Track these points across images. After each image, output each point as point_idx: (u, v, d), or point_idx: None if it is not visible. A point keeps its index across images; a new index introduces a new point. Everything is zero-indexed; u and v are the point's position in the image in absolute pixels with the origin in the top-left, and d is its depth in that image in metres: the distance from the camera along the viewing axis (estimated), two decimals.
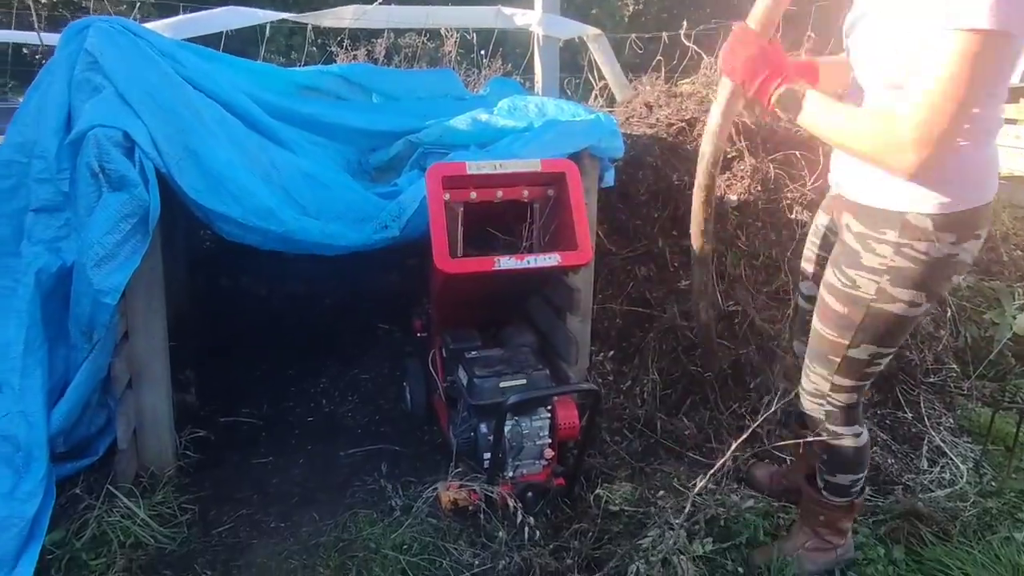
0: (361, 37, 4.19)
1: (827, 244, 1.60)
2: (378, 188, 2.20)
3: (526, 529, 1.77)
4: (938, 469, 2.21)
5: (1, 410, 1.70)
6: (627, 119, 2.94)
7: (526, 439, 1.92)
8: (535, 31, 3.22)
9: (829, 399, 1.56)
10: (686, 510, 1.74)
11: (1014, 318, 2.75)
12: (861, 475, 1.67)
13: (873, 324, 1.41)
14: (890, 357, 1.51)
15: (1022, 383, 2.68)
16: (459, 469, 1.95)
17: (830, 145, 1.41)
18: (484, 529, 1.81)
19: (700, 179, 1.63)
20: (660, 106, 2.92)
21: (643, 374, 2.42)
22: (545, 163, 1.89)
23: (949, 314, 2.72)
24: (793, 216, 2.56)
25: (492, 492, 1.83)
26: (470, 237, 1.95)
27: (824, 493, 1.69)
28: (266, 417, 2.43)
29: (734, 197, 2.58)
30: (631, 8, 12.13)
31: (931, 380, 2.57)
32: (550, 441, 1.96)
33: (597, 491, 1.95)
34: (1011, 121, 4.92)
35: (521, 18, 3.12)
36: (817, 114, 1.28)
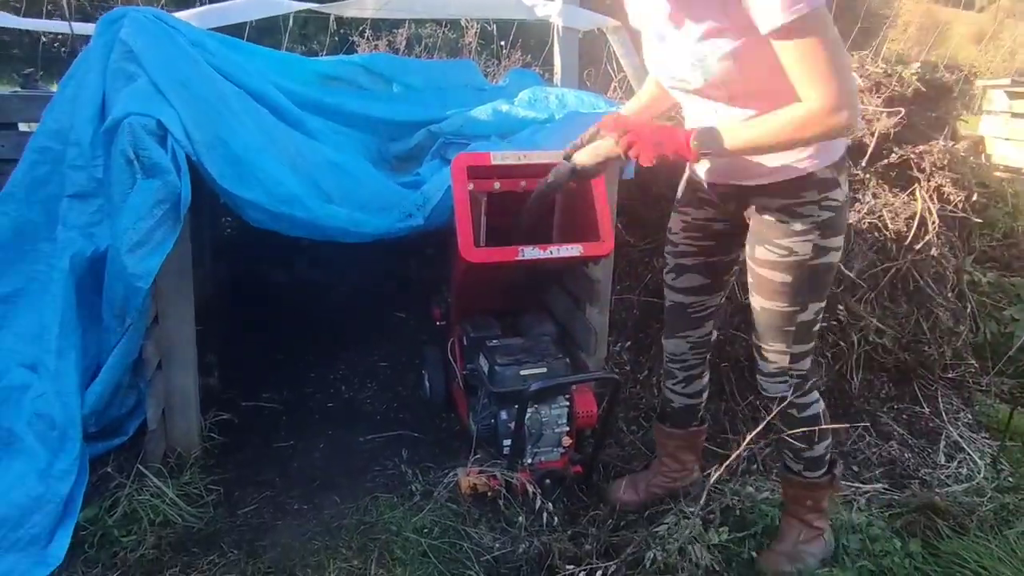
0: (382, 27, 4.21)
1: (712, 234, 1.71)
2: (400, 178, 2.23)
3: (544, 515, 1.80)
4: (955, 464, 2.22)
5: (37, 390, 1.75)
6: None
7: (545, 427, 1.95)
8: (555, 22, 3.21)
9: (791, 372, 1.62)
10: (702, 499, 1.76)
11: None
12: (830, 440, 1.72)
13: (813, 281, 1.53)
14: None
15: None
16: (478, 455, 1.98)
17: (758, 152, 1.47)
18: (503, 514, 1.85)
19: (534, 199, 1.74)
20: None
21: (660, 364, 2.43)
22: None
23: (969, 309, 2.71)
24: None
25: (512, 478, 1.86)
26: (492, 227, 1.98)
27: (805, 474, 1.71)
28: (287, 402, 2.48)
29: None
30: None
31: (949, 375, 2.57)
32: (568, 429, 1.98)
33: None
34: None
35: (541, 9, 3.12)
36: (739, 136, 1.39)
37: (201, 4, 2.80)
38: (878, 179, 2.65)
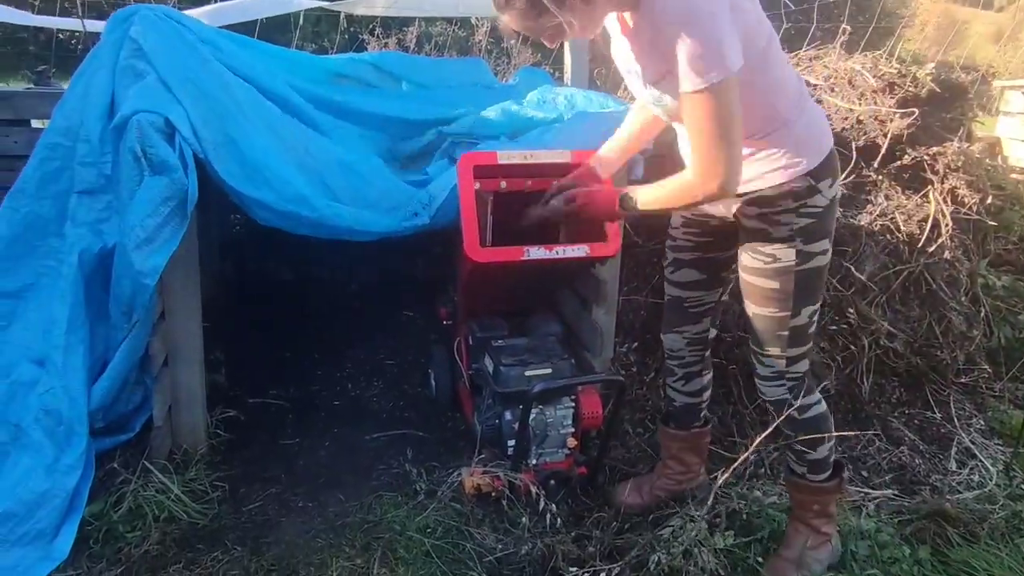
0: (392, 25, 4.21)
1: (710, 230, 1.72)
2: (409, 176, 2.22)
3: (548, 516, 1.79)
4: (967, 471, 2.19)
5: (44, 385, 1.76)
6: None
7: (550, 428, 1.94)
8: None
9: (788, 375, 1.63)
10: (708, 503, 1.74)
11: None
12: (833, 443, 1.71)
13: (802, 286, 1.55)
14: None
15: None
16: (482, 456, 1.97)
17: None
18: (507, 515, 1.84)
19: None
20: None
21: (664, 368, 2.42)
22: (576, 154, 1.89)
23: (983, 314, 2.67)
24: None
25: (516, 479, 1.85)
26: (499, 226, 1.97)
27: (809, 477, 1.69)
28: (293, 399, 2.48)
29: None
30: None
31: (962, 380, 2.54)
32: (573, 430, 1.97)
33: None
34: None
35: None
36: (648, 201, 1.57)
37: (213, 1, 2.81)
38: (891, 181, 2.62)
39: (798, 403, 1.63)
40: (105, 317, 1.85)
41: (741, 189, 1.53)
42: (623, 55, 1.52)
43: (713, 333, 1.89)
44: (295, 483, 2.04)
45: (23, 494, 1.67)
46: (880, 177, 2.61)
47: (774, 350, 1.61)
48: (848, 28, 2.91)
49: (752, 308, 1.61)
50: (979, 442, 2.31)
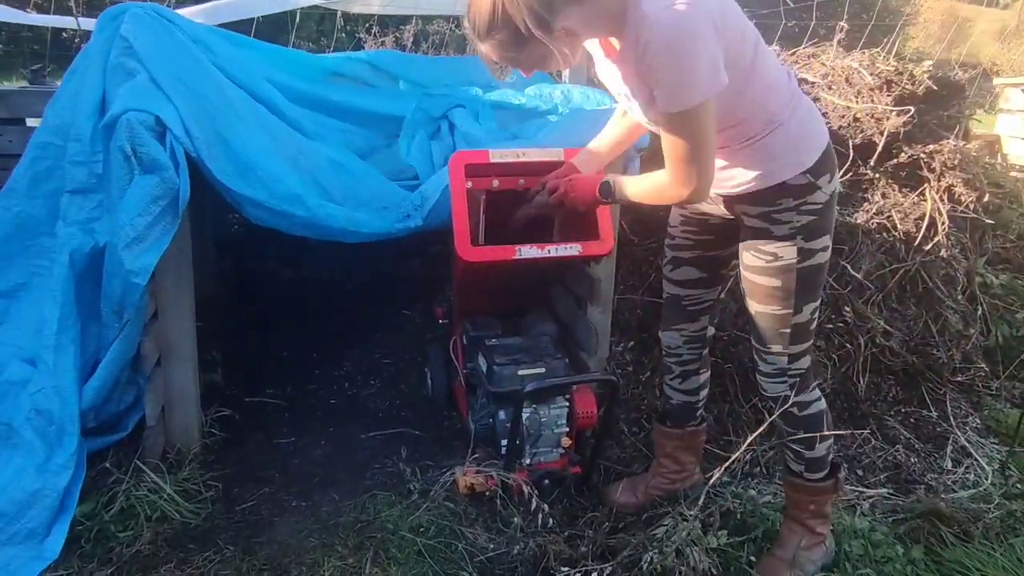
0: (389, 24, 4.20)
1: (709, 228, 1.73)
2: (401, 174, 2.22)
3: (540, 516, 1.79)
4: (962, 469, 2.18)
5: (36, 385, 1.76)
6: None
7: (544, 427, 1.93)
8: None
9: (790, 372, 1.63)
10: (700, 501, 1.74)
11: None
12: (831, 442, 1.71)
13: (804, 284, 1.55)
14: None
15: None
16: (476, 455, 1.97)
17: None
18: (500, 515, 1.84)
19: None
20: None
21: (662, 365, 2.41)
22: (568, 152, 1.89)
23: (980, 312, 2.66)
24: None
25: (509, 478, 1.84)
26: (492, 225, 1.96)
27: (807, 475, 1.69)
28: (289, 398, 2.48)
29: None
30: None
31: (958, 379, 2.52)
32: (567, 430, 1.97)
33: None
34: None
35: None
36: (625, 192, 1.61)
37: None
38: (887, 179, 2.61)
39: (798, 399, 1.63)
40: (97, 316, 1.85)
41: (741, 189, 1.54)
42: (611, 78, 1.54)
43: (712, 331, 1.88)
44: (289, 482, 2.04)
45: (14, 493, 1.66)
46: (877, 175, 2.60)
47: (777, 347, 1.61)
48: (845, 25, 2.89)
49: (755, 306, 1.62)
50: (975, 441, 2.30)
